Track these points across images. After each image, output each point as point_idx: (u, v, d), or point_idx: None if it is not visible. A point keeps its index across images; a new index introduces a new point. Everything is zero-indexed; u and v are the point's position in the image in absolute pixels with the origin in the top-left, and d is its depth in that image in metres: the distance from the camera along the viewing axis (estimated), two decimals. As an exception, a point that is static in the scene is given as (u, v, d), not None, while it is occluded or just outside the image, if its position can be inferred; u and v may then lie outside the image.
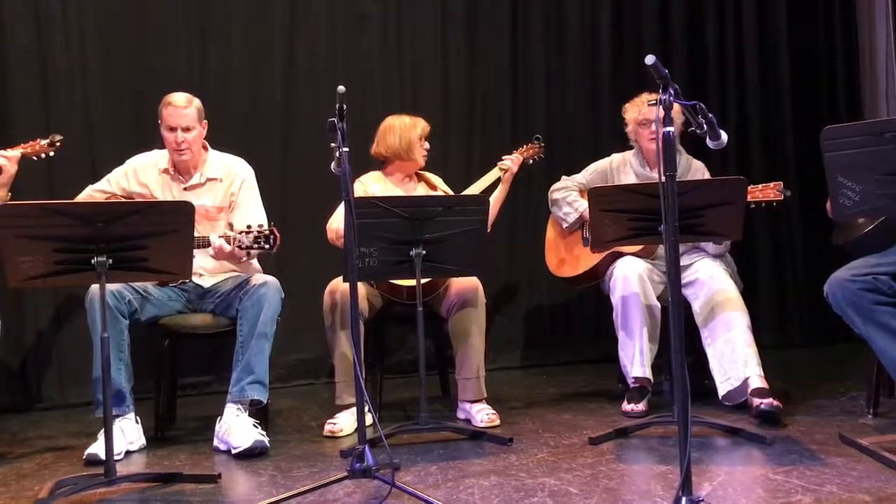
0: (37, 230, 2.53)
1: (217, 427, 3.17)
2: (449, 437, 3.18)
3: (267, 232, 3.15)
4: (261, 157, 3.80)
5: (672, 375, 3.29)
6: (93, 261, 2.59)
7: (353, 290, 2.63)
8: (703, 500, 2.15)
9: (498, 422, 3.37)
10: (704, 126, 2.43)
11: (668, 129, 2.18)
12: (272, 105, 4.47)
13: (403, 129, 3.65)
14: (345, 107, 2.53)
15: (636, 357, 3.48)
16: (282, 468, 2.88)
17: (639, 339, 3.48)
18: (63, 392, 4.07)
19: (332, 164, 2.72)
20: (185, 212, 2.69)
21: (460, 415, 3.49)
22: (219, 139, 3.57)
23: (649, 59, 2.15)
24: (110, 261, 2.61)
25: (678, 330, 2.18)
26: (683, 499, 2.09)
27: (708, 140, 2.45)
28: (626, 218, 3.04)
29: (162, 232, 2.65)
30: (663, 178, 2.15)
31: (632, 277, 3.50)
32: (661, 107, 2.18)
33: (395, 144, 3.64)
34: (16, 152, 3.29)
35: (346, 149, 2.56)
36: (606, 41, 4.98)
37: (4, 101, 4.06)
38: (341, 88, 2.48)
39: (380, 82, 4.63)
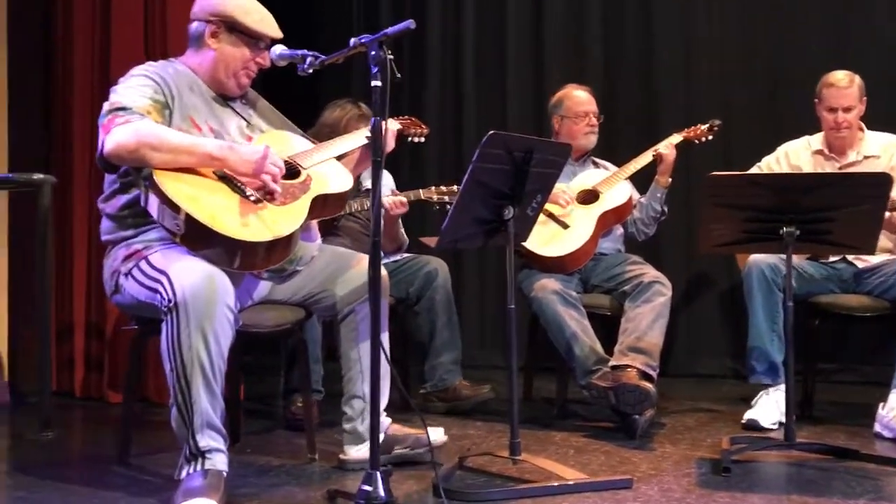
0: (733, 200, 2.71)
1: (880, 412, 3.03)
2: None
3: None
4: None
5: None
6: (781, 231, 2.68)
7: None
8: None
9: None
10: None
11: None
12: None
13: None
14: None
15: None
16: (970, 466, 2.64)
17: None
18: (691, 362, 4.35)
19: None
20: (881, 184, 2.62)
21: None
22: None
23: None
24: (798, 232, 2.68)
25: None
26: None
27: None
28: None
29: (854, 204, 2.63)
30: None
31: None
32: None
33: None
34: (677, 138, 3.59)
35: None
36: None
37: (654, 100, 4.46)
38: None
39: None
